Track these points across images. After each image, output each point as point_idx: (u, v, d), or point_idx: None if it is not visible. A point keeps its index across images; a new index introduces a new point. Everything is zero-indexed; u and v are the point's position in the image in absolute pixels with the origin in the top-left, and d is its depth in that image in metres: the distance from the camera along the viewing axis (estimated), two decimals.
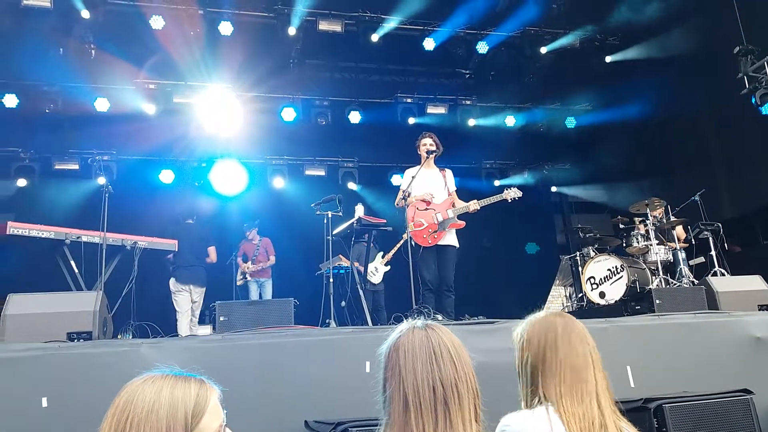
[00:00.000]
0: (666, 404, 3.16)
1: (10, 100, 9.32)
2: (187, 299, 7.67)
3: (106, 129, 9.86)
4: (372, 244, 8.22)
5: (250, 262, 9.12)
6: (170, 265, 7.75)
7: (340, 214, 6.12)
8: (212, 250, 8.06)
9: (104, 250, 5.26)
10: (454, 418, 1.41)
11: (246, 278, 9.09)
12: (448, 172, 6.11)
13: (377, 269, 8.30)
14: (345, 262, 7.45)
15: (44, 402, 3.26)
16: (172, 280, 7.75)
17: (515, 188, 5.90)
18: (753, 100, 7.68)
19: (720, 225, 7.76)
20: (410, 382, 1.42)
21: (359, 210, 6.88)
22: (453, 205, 5.84)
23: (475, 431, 1.43)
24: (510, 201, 5.88)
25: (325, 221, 6.07)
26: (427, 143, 6.00)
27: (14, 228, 5.21)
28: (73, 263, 5.41)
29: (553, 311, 1.99)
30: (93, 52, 9.27)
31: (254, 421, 3.40)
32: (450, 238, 5.79)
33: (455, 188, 6.09)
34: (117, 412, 1.28)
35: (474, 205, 5.75)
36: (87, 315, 3.96)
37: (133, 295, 5.43)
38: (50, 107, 9.49)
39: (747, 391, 3.35)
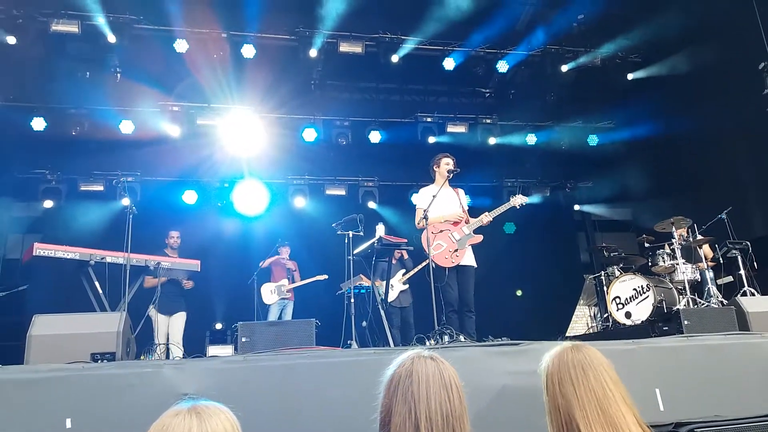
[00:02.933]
0: (698, 429, 3.08)
1: (38, 124, 9.52)
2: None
3: (130, 151, 10.03)
4: (395, 262, 8.22)
5: (286, 280, 9.14)
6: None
7: (361, 233, 6.12)
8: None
9: (128, 271, 5.30)
10: None
11: (283, 297, 9.07)
12: (461, 191, 6.16)
13: (393, 287, 8.26)
14: (366, 282, 7.43)
15: (68, 423, 3.27)
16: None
17: (521, 195, 5.94)
18: None
19: (749, 243, 7.60)
20: (423, 410, 1.44)
21: (380, 229, 6.87)
22: (467, 222, 5.83)
23: None
24: (518, 207, 5.90)
25: (346, 241, 6.07)
26: (450, 163, 6.00)
27: (41, 249, 5.29)
28: (97, 284, 5.47)
29: (566, 344, 1.95)
30: (118, 75, 9.46)
31: None
32: (468, 258, 5.78)
33: (467, 207, 6.13)
34: None
35: (486, 218, 5.78)
36: (111, 336, 3.98)
37: (156, 315, 5.46)
38: (77, 130, 9.67)
39: None
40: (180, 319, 7.53)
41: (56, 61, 9.04)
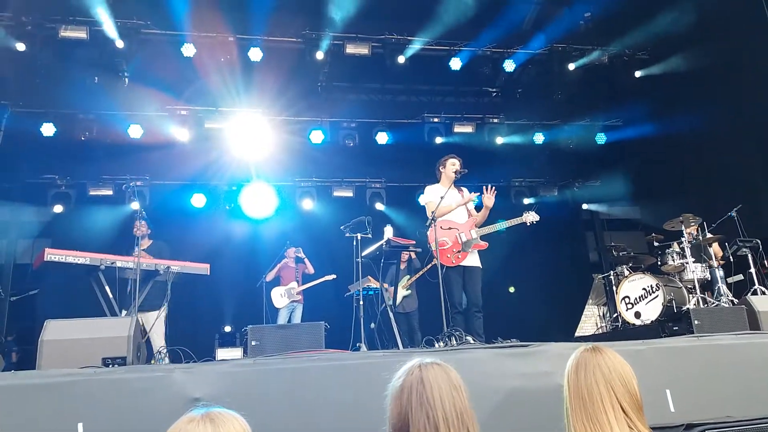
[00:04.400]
0: (709, 429, 3.06)
1: (48, 129, 9.59)
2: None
3: (139, 155, 10.09)
4: (403, 266, 8.22)
5: (295, 283, 9.16)
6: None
7: (370, 236, 6.13)
8: None
9: (138, 275, 5.34)
10: None
11: (293, 300, 9.09)
12: (465, 191, 6.13)
13: (396, 292, 8.28)
14: (374, 284, 7.44)
15: (80, 428, 3.29)
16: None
17: (533, 212, 5.90)
18: None
19: (759, 242, 7.54)
20: (440, 413, 1.55)
21: (388, 231, 6.88)
22: (476, 226, 5.82)
23: None
24: (528, 224, 5.87)
25: (355, 243, 6.08)
26: (456, 164, 5.99)
27: (51, 254, 5.32)
28: (107, 288, 5.50)
29: (588, 346, 1.98)
30: (126, 80, 9.53)
31: None
32: (473, 259, 5.77)
33: (474, 207, 6.11)
34: None
35: (494, 228, 5.76)
36: (121, 340, 4.01)
37: (167, 319, 5.49)
38: (85, 135, 9.74)
39: None
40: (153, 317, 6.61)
41: (65, 67, 9.11)
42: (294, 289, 9.16)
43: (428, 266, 7.90)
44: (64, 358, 3.83)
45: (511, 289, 11.84)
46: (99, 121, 9.84)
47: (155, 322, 6.33)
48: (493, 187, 5.87)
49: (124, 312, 5.65)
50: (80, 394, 3.40)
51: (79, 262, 5.40)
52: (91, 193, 10.49)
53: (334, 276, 9.15)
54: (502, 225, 5.81)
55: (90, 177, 10.53)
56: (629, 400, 1.83)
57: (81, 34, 8.67)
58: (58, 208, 10.33)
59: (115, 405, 3.39)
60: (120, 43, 8.92)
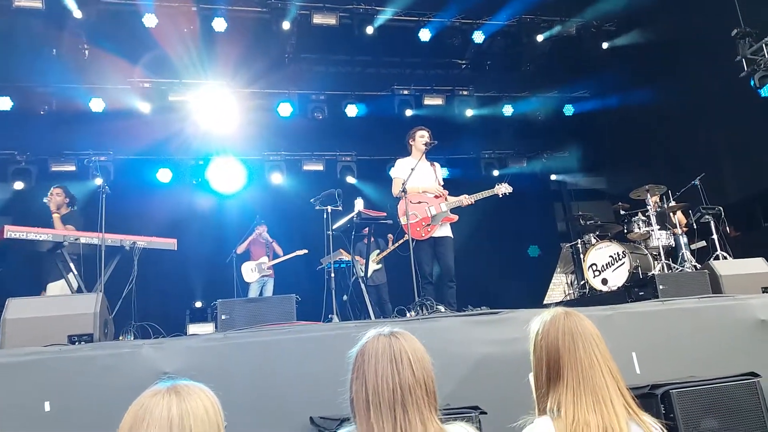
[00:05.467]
0: (673, 390, 3.13)
1: (5, 103, 9.28)
2: None
3: (101, 129, 9.82)
4: (372, 239, 8.21)
5: (266, 258, 9.09)
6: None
7: (340, 208, 6.09)
8: None
9: (103, 251, 5.22)
10: (412, 418, 1.56)
11: (263, 274, 9.04)
12: (437, 165, 6.15)
13: (368, 265, 8.30)
14: (346, 256, 7.43)
15: (47, 406, 3.24)
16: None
17: (506, 184, 5.88)
18: (752, 83, 7.65)
19: (721, 209, 7.73)
20: (371, 384, 1.57)
21: (359, 204, 6.85)
22: (445, 199, 5.82)
23: (433, 428, 1.57)
24: (501, 196, 5.87)
25: (325, 216, 6.04)
26: (425, 136, 5.97)
27: (11, 231, 5.17)
28: (72, 265, 5.38)
29: (559, 310, 1.95)
30: (87, 52, 9.22)
31: (257, 418, 3.38)
32: (445, 230, 5.80)
33: (442, 181, 6.10)
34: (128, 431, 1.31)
35: (466, 200, 5.76)
36: (87, 317, 3.93)
37: (133, 295, 5.40)
38: (45, 109, 9.45)
39: (754, 375, 3.32)
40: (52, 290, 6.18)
41: (21, 38, 8.75)
42: (264, 264, 9.10)
43: (399, 242, 7.92)
44: (29, 336, 3.74)
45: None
46: (58, 95, 9.55)
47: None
48: (472, 198, 5.82)
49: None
50: (46, 372, 3.34)
51: (41, 239, 5.26)
52: (52, 168, 10.21)
53: (305, 251, 9.11)
54: (473, 198, 5.79)
55: (51, 152, 10.23)
56: (614, 365, 1.83)
57: (36, 3, 8.30)
58: (18, 185, 10.03)
59: (83, 382, 3.34)
60: (78, 13, 8.59)
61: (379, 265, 8.48)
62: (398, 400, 1.56)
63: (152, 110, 9.81)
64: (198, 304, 9.77)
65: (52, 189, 6.63)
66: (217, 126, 10.10)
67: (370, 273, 8.31)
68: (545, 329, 1.89)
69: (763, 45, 7.62)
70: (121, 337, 4.90)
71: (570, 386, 1.78)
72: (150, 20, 8.85)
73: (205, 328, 7.69)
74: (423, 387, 1.60)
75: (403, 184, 5.58)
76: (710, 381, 3.24)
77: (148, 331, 4.68)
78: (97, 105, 9.63)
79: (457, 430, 1.65)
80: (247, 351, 3.60)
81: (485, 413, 2.97)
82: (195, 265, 9.88)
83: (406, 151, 6.24)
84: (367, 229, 6.67)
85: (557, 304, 8.91)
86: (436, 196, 5.82)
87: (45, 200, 6.47)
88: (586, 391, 1.75)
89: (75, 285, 5.55)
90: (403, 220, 5.67)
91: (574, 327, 1.85)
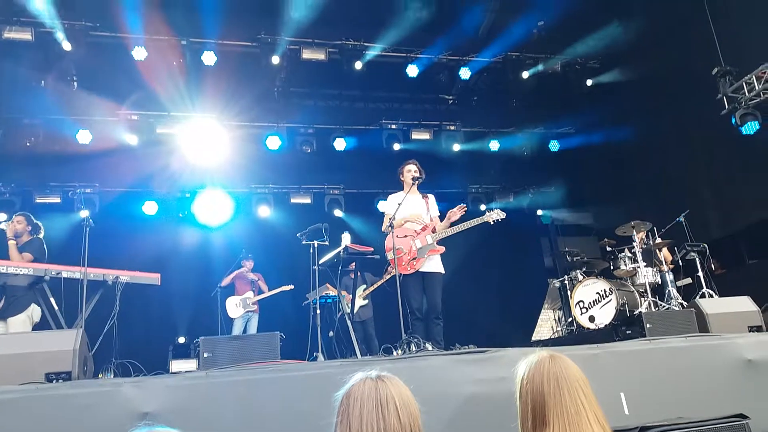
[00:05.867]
0: (662, 431, 3.09)
1: None
2: None
3: (88, 161, 9.75)
4: (359, 274, 8.17)
5: (251, 293, 9.00)
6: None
7: (326, 243, 6.06)
8: None
9: (85, 286, 5.14)
10: None
11: (248, 310, 8.94)
12: (431, 198, 6.09)
13: (354, 301, 8.23)
14: (332, 291, 7.36)
15: None
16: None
17: (498, 210, 5.80)
18: (733, 121, 7.79)
19: (706, 246, 7.78)
20: (355, 430, 1.55)
21: (346, 238, 6.82)
22: (433, 231, 5.79)
23: None
24: (492, 223, 5.80)
25: (312, 251, 6.00)
26: (412, 170, 5.97)
27: None
28: (52, 300, 5.28)
29: (544, 354, 1.93)
30: (75, 84, 9.24)
31: None
32: (434, 265, 5.72)
33: (438, 213, 6.05)
34: None
35: (455, 229, 5.70)
36: (66, 354, 3.83)
37: (115, 331, 5.30)
38: (31, 140, 9.38)
39: (743, 416, 3.29)
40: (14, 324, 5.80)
41: (9, 70, 8.76)
42: (249, 299, 9.00)
43: (386, 277, 7.87)
44: (5, 374, 3.63)
45: None
46: (46, 126, 9.50)
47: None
48: (464, 207, 5.79)
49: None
50: (22, 411, 3.23)
51: (21, 273, 5.17)
52: (37, 200, 10.08)
53: (291, 286, 9.03)
54: (463, 226, 5.73)
55: (36, 184, 10.13)
56: (599, 410, 1.80)
57: (26, 35, 8.36)
58: (1, 216, 9.87)
59: (60, 422, 3.24)
60: (67, 45, 8.63)
61: (366, 301, 8.41)
62: None
63: (140, 143, 9.79)
64: (181, 340, 9.61)
65: (14, 216, 6.37)
66: (205, 159, 10.07)
67: (356, 308, 8.23)
68: (530, 374, 1.86)
69: (744, 83, 7.78)
70: (100, 375, 4.79)
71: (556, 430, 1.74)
72: (139, 53, 8.91)
73: (188, 365, 7.55)
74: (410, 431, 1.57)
75: (390, 219, 5.57)
76: (699, 423, 3.20)
77: (128, 369, 4.58)
78: (84, 137, 9.59)
79: None
80: (230, 390, 3.51)
81: None
82: (179, 299, 9.75)
83: (394, 185, 6.24)
84: (354, 264, 6.63)
85: (545, 342, 8.88)
86: (423, 228, 5.79)
87: (2, 226, 6.15)
88: None
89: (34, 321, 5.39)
90: (389, 255, 5.63)
91: (559, 372, 1.83)
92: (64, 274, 5.33)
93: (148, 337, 9.23)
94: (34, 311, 5.62)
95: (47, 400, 3.32)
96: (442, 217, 5.94)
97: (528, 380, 1.86)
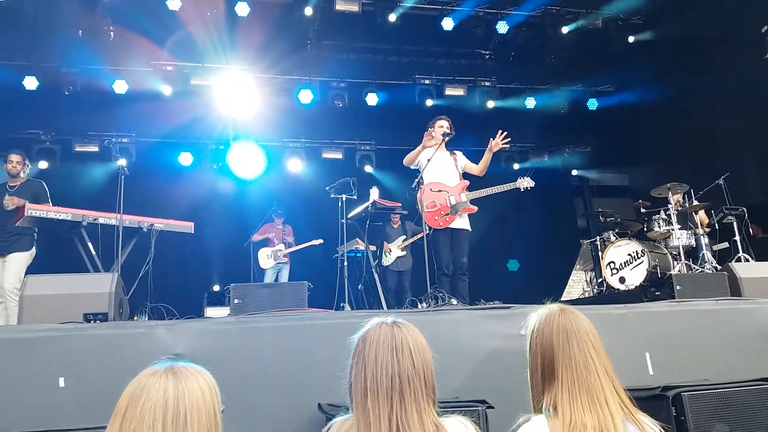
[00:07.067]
0: (685, 392, 3.08)
1: (31, 83, 9.38)
2: None
3: (125, 111, 9.91)
4: (396, 227, 8.22)
5: (282, 245, 9.15)
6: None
7: (355, 197, 6.10)
8: None
9: (121, 232, 5.29)
10: (408, 408, 1.57)
11: (279, 261, 9.11)
12: (459, 154, 6.04)
13: (391, 251, 8.28)
14: (362, 245, 7.44)
15: (61, 382, 3.30)
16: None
17: (528, 178, 5.79)
18: None
19: (745, 209, 7.58)
20: (370, 371, 1.59)
21: (374, 193, 6.85)
22: (466, 189, 5.76)
23: (429, 419, 1.58)
24: (522, 190, 5.79)
25: (340, 204, 6.05)
26: (444, 126, 5.91)
27: (33, 210, 5.26)
28: (90, 245, 5.46)
29: (554, 307, 1.92)
30: (112, 33, 9.28)
31: (268, 403, 3.41)
32: (463, 222, 5.72)
33: (465, 162, 6.02)
34: (124, 409, 1.35)
35: (488, 191, 5.69)
36: (103, 296, 3.99)
37: (149, 277, 5.47)
38: (70, 89, 9.52)
39: (767, 380, 3.26)
40: (14, 261, 5.90)
41: (48, 20, 8.84)
42: (281, 251, 9.15)
43: (419, 234, 7.89)
44: (46, 313, 3.81)
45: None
46: (83, 76, 9.61)
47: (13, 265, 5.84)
48: (505, 133, 5.75)
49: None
50: (61, 348, 3.40)
51: (60, 218, 5.34)
52: (76, 149, 10.34)
53: (320, 241, 9.14)
54: (493, 189, 5.73)
55: (75, 133, 10.35)
56: (609, 364, 1.80)
57: None
58: (43, 164, 10.16)
59: (96, 360, 3.39)
60: None
61: (404, 252, 8.45)
62: (396, 389, 1.57)
63: (174, 93, 9.87)
64: (216, 288, 9.88)
65: (10, 156, 6.29)
66: (238, 111, 10.13)
67: (394, 259, 8.31)
68: (540, 327, 1.86)
69: None
70: (135, 318, 4.98)
71: (565, 386, 1.75)
72: (174, 3, 8.88)
73: (223, 312, 7.79)
74: (422, 378, 1.61)
75: (419, 174, 5.55)
76: (723, 385, 3.19)
77: (162, 313, 4.73)
78: (120, 87, 9.71)
79: (454, 424, 1.64)
80: (258, 335, 3.62)
81: (492, 407, 2.96)
82: (213, 248, 9.99)
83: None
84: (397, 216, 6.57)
85: (572, 302, 8.84)
86: (458, 185, 5.76)
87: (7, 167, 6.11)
88: (581, 391, 1.72)
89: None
90: (420, 209, 5.63)
91: (569, 325, 1.82)
92: (101, 221, 5.48)
93: (183, 284, 9.52)
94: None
95: (85, 338, 3.48)
96: (477, 177, 5.90)
97: (537, 333, 1.86)
